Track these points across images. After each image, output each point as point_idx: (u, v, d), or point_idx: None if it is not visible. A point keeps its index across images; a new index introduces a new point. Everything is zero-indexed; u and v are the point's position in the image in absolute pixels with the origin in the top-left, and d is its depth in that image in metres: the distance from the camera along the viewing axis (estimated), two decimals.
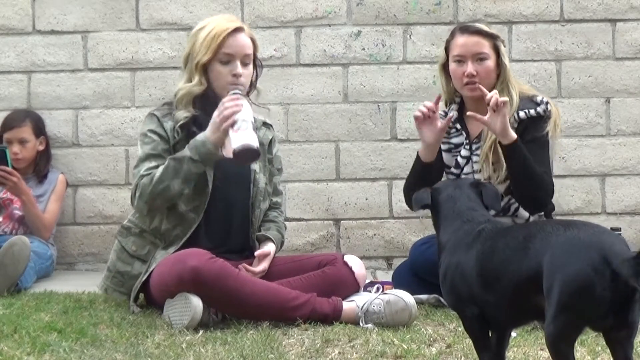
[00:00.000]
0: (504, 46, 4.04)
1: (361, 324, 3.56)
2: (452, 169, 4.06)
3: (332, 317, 3.57)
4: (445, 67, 4.06)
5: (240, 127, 3.59)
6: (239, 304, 3.57)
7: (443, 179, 4.03)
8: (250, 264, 3.83)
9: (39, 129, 5.07)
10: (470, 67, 3.94)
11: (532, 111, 3.92)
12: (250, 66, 3.89)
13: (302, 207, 5.25)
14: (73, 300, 4.06)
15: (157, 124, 3.84)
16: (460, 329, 3.32)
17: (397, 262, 4.87)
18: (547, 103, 3.95)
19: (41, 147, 5.06)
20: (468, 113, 3.89)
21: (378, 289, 3.72)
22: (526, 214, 3.99)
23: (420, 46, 5.25)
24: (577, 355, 2.51)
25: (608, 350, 2.54)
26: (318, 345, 3.22)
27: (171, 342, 3.28)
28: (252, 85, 3.94)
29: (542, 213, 4.05)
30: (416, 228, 5.19)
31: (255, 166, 3.94)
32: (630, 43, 5.25)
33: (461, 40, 3.98)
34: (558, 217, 4.31)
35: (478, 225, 2.73)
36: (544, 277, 2.43)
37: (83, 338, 3.32)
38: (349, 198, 5.26)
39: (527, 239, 2.53)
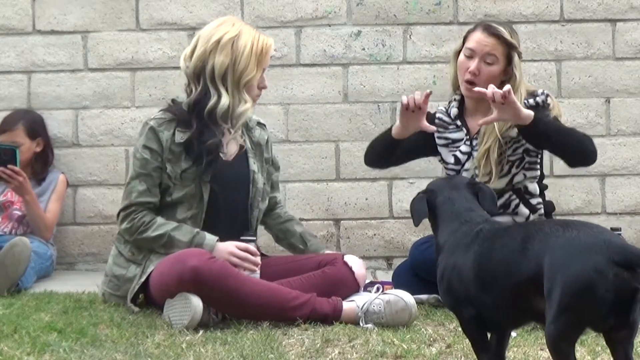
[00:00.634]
0: (520, 58, 4.00)
1: (361, 324, 3.56)
2: (452, 165, 4.07)
3: (332, 317, 3.57)
4: (458, 55, 4.06)
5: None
6: (239, 304, 3.57)
7: (439, 177, 4.03)
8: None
9: (34, 131, 5.03)
10: (474, 65, 3.94)
11: (530, 100, 3.92)
12: None
13: (302, 207, 5.24)
14: (73, 300, 4.06)
15: (150, 136, 3.81)
16: (460, 329, 3.31)
17: (397, 262, 4.86)
18: (547, 95, 3.96)
19: (38, 149, 5.03)
20: (479, 122, 3.86)
21: (378, 289, 3.72)
22: (526, 211, 4.00)
23: (420, 46, 5.25)
24: (577, 355, 2.50)
25: (608, 350, 2.55)
26: (318, 345, 3.22)
27: (171, 342, 3.28)
28: None
29: (542, 212, 4.05)
30: (416, 228, 5.17)
31: (254, 167, 3.94)
32: (630, 43, 5.25)
33: (478, 36, 3.98)
34: (558, 217, 4.31)
35: (476, 226, 2.73)
36: (544, 278, 2.43)
37: (83, 338, 3.32)
38: (349, 198, 5.26)
39: (526, 240, 2.53)
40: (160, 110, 3.92)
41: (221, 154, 3.84)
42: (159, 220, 3.80)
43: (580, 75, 5.25)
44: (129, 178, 3.86)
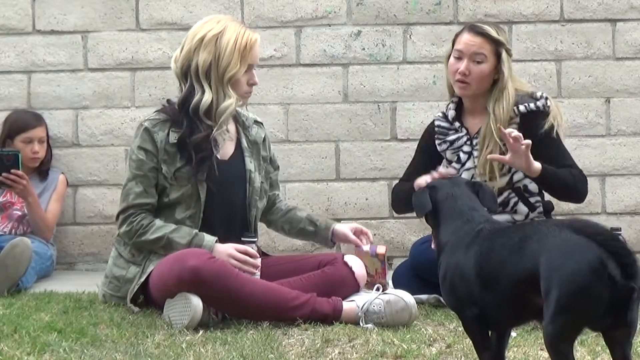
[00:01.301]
0: (510, 55, 4.03)
1: (361, 324, 3.56)
2: (454, 164, 4.09)
3: (332, 317, 3.57)
4: (449, 59, 4.08)
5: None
6: (239, 303, 3.57)
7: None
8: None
9: (47, 129, 5.11)
10: (463, 65, 3.96)
11: (531, 105, 3.95)
12: None
13: (302, 207, 5.23)
14: (73, 300, 4.06)
15: (145, 137, 3.82)
16: (460, 329, 3.31)
17: (397, 262, 4.86)
18: (546, 98, 3.98)
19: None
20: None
21: (378, 288, 3.71)
22: (525, 210, 4.02)
23: (420, 46, 5.25)
24: (577, 355, 2.51)
25: (608, 350, 2.55)
26: (318, 345, 3.22)
27: (171, 342, 3.28)
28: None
29: (541, 210, 4.06)
30: (416, 228, 5.19)
31: (251, 166, 3.94)
32: (630, 43, 5.25)
33: (465, 37, 4.02)
34: (558, 217, 4.31)
35: (477, 225, 2.73)
36: (541, 278, 2.43)
37: (83, 338, 3.32)
38: (349, 198, 5.26)
39: (523, 240, 2.54)
40: (155, 111, 3.92)
41: (216, 153, 3.85)
42: (158, 222, 3.80)
43: (580, 75, 5.25)
44: (125, 180, 3.87)
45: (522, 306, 2.56)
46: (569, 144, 5.13)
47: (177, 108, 3.84)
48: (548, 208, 4.11)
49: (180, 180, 3.81)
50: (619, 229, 4.06)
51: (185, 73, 3.83)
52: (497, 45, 4.00)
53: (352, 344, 3.24)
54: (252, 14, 5.26)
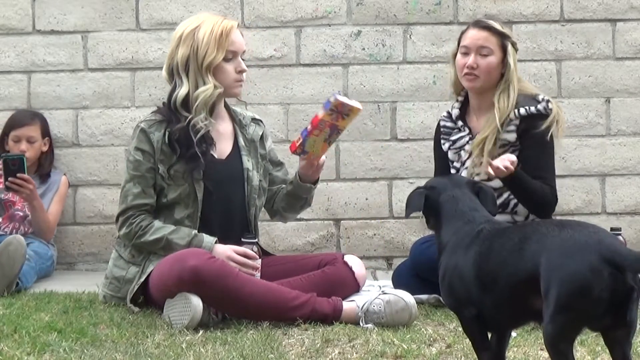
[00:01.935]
0: (516, 49, 4.06)
1: (361, 324, 3.56)
2: (455, 163, 4.10)
3: (332, 317, 3.57)
4: (455, 57, 4.09)
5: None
6: (239, 303, 3.57)
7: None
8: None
9: (45, 130, 5.09)
10: (471, 59, 3.98)
11: (532, 108, 3.95)
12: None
13: None
14: (73, 300, 4.06)
15: (142, 138, 3.84)
16: (460, 329, 3.31)
17: (397, 262, 4.87)
18: (547, 101, 3.98)
19: (45, 148, 5.06)
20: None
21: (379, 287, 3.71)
22: (525, 211, 4.01)
23: (420, 46, 5.25)
24: (577, 355, 2.51)
25: (608, 350, 2.55)
26: (318, 345, 3.22)
27: (171, 342, 3.28)
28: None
29: None
30: (416, 228, 5.19)
31: (248, 164, 3.94)
32: (630, 43, 5.25)
33: (470, 33, 4.05)
34: (558, 217, 4.31)
35: (478, 226, 2.73)
36: (541, 279, 2.44)
37: (83, 338, 3.32)
38: (349, 198, 5.26)
39: (523, 241, 2.54)
40: (152, 112, 3.95)
41: (212, 152, 3.85)
42: (157, 223, 3.80)
43: (580, 75, 5.25)
44: (123, 181, 3.88)
45: (521, 307, 2.56)
46: (569, 144, 5.16)
47: (165, 106, 3.88)
48: None
49: (177, 180, 3.82)
50: (619, 229, 4.06)
51: (171, 72, 3.88)
52: (502, 38, 4.03)
53: (352, 344, 3.25)
54: (252, 14, 5.26)
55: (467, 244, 2.69)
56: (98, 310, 3.80)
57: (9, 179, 4.64)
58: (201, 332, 3.42)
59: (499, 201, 3.97)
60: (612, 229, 3.81)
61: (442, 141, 4.16)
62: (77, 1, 5.26)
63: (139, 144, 3.83)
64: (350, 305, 3.63)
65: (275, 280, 3.70)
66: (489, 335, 2.73)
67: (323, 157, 3.87)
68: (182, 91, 3.82)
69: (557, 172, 4.12)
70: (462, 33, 4.11)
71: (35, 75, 5.27)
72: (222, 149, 3.94)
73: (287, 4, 5.27)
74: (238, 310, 3.60)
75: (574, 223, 2.54)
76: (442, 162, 4.18)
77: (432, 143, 4.31)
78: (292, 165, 5.20)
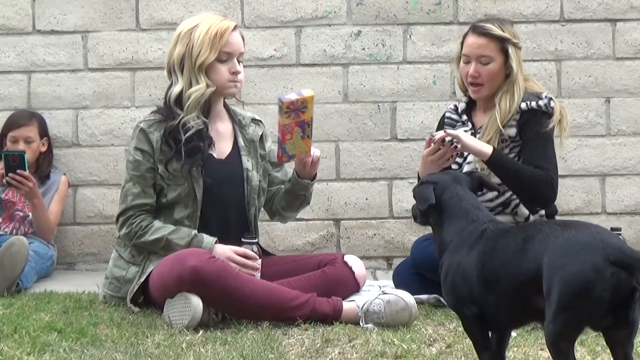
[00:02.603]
0: (519, 48, 4.05)
1: (361, 324, 3.56)
2: (457, 158, 4.09)
3: (332, 317, 3.57)
4: (459, 60, 4.10)
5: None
6: (239, 303, 3.57)
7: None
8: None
9: (44, 130, 5.08)
10: (472, 69, 3.99)
11: (532, 103, 3.95)
12: (242, 65, 3.93)
13: None
14: (73, 300, 4.06)
15: (141, 138, 3.85)
16: (460, 329, 3.31)
17: (397, 262, 4.86)
18: (550, 99, 3.98)
19: (43, 149, 5.05)
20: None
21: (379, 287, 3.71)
22: (526, 212, 4.01)
23: (420, 46, 5.25)
24: (577, 355, 2.51)
25: (608, 350, 2.55)
26: (318, 345, 3.22)
27: (171, 342, 3.28)
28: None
29: (543, 213, 4.05)
30: (416, 228, 5.18)
31: (248, 164, 3.95)
32: (630, 43, 5.25)
33: (470, 40, 4.04)
34: (558, 218, 4.30)
35: (482, 226, 2.73)
36: (543, 278, 2.44)
37: (83, 338, 3.32)
38: (349, 198, 5.26)
39: (526, 241, 2.54)
40: (151, 112, 3.96)
41: (212, 152, 3.86)
42: (157, 223, 3.81)
43: (580, 75, 5.25)
44: (123, 182, 3.89)
45: (523, 307, 2.56)
46: (569, 144, 5.14)
47: (163, 104, 3.90)
48: (552, 211, 4.09)
49: (176, 179, 3.82)
50: (619, 229, 4.06)
51: (169, 70, 3.91)
52: (502, 42, 4.01)
53: (352, 344, 3.25)
54: (252, 14, 5.26)
55: (471, 244, 2.69)
56: (98, 310, 3.80)
57: (9, 174, 4.63)
58: (201, 332, 3.42)
59: (499, 200, 3.97)
60: (612, 229, 3.80)
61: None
62: (77, 1, 5.26)
63: (139, 144, 3.84)
64: (350, 305, 3.63)
65: (275, 280, 3.70)
66: (490, 335, 2.73)
67: (317, 152, 3.88)
68: (176, 89, 3.84)
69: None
70: (464, 37, 4.09)
71: (35, 75, 5.27)
72: (222, 149, 3.94)
73: (287, 4, 5.26)
74: (238, 310, 3.60)
75: (576, 223, 2.54)
76: None
77: None
78: (292, 165, 5.20)
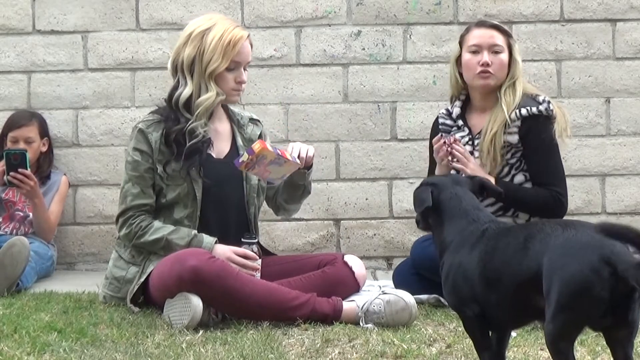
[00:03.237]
0: (516, 46, 4.09)
1: (361, 324, 3.56)
2: (454, 163, 4.08)
3: (332, 317, 3.57)
4: (458, 61, 4.08)
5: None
6: (239, 303, 3.57)
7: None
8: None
9: (44, 130, 5.07)
10: (486, 57, 3.97)
11: (533, 109, 3.95)
12: (247, 72, 3.93)
13: (302, 207, 5.22)
14: (73, 300, 4.06)
15: (140, 139, 3.85)
16: (460, 329, 3.32)
17: (397, 262, 4.86)
18: (548, 102, 3.97)
19: (44, 149, 5.05)
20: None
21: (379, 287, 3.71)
22: (526, 215, 4.00)
23: (420, 46, 5.25)
24: (577, 355, 2.51)
25: (608, 350, 2.55)
26: (318, 345, 3.22)
27: (171, 342, 3.28)
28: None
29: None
30: (416, 228, 5.17)
31: None
32: (630, 43, 5.25)
33: (478, 32, 4.05)
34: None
35: (482, 225, 2.73)
36: (543, 278, 2.44)
37: (83, 338, 3.32)
38: (349, 198, 5.26)
39: (528, 240, 2.55)
40: (150, 113, 3.96)
41: (210, 152, 3.86)
42: (156, 224, 3.81)
43: (580, 75, 5.25)
44: (122, 182, 3.89)
45: (524, 306, 2.56)
46: (569, 144, 5.13)
47: (166, 102, 3.89)
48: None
49: (175, 180, 3.83)
50: None
51: (175, 68, 3.89)
52: (508, 37, 4.06)
53: (352, 344, 3.25)
54: (252, 14, 5.26)
55: (473, 243, 2.70)
56: (98, 310, 3.80)
57: (10, 173, 4.63)
58: (201, 332, 3.42)
59: (499, 204, 3.97)
60: None
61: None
62: (77, 1, 5.26)
63: (137, 145, 3.84)
64: (350, 305, 3.63)
65: (275, 280, 3.70)
66: (490, 334, 2.73)
67: (309, 150, 3.83)
68: (185, 92, 3.83)
69: None
70: (465, 35, 4.09)
71: (35, 75, 5.27)
72: (220, 148, 3.95)
73: (287, 4, 5.26)
74: (238, 310, 3.60)
75: (577, 223, 2.54)
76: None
77: None
78: None
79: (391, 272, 4.41)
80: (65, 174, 5.14)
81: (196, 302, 3.51)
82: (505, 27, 4.11)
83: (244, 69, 3.90)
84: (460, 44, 4.10)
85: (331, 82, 5.26)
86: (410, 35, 5.26)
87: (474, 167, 3.90)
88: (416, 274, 4.07)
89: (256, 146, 3.66)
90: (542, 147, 3.94)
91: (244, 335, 3.37)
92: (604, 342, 2.56)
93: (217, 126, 3.97)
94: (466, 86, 4.09)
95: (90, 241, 5.26)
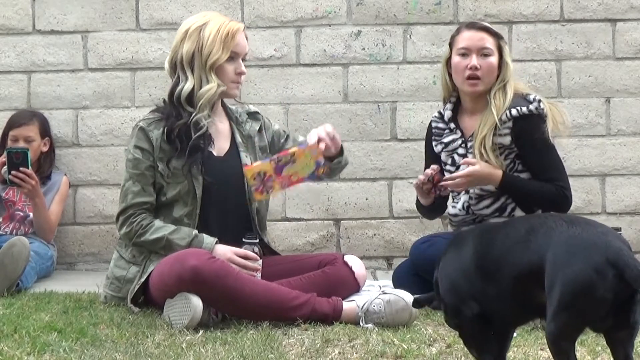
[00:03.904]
0: (507, 48, 4.08)
1: (361, 324, 3.56)
2: (449, 166, 4.07)
3: (332, 317, 3.57)
4: (448, 62, 4.07)
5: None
6: (239, 303, 3.57)
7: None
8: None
9: (45, 130, 5.07)
10: (474, 60, 3.96)
11: (524, 109, 3.93)
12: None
13: (302, 207, 5.24)
14: (73, 300, 4.06)
15: (141, 136, 3.85)
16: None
17: (397, 262, 4.86)
18: (539, 101, 3.95)
19: (45, 149, 5.05)
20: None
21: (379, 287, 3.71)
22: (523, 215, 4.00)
23: (420, 46, 5.25)
24: (577, 355, 2.50)
25: (608, 350, 2.55)
26: (318, 345, 3.22)
27: (171, 342, 3.28)
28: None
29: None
30: (416, 228, 5.19)
31: (247, 160, 3.94)
32: (630, 43, 5.25)
33: (467, 34, 4.02)
34: None
35: (475, 229, 2.73)
36: (545, 274, 2.43)
37: (83, 338, 3.32)
38: (349, 198, 5.26)
39: (530, 232, 2.52)
40: (150, 111, 3.96)
41: (211, 149, 3.86)
42: (157, 223, 3.81)
43: (580, 75, 5.25)
44: (123, 180, 3.89)
45: (524, 300, 2.54)
46: (569, 144, 5.16)
47: (167, 101, 3.89)
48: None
49: (176, 177, 3.83)
50: (619, 229, 4.05)
51: (174, 66, 3.90)
52: (498, 39, 4.03)
53: (352, 344, 3.25)
54: (252, 14, 5.26)
55: (465, 238, 2.70)
56: (98, 310, 3.80)
57: (12, 172, 4.62)
58: (201, 332, 3.42)
59: (495, 205, 3.97)
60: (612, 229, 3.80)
61: (434, 142, 4.14)
62: (77, 1, 5.26)
63: (138, 142, 3.84)
64: (350, 305, 3.63)
65: (275, 280, 3.70)
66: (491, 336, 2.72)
67: (327, 126, 3.75)
68: (187, 86, 3.84)
69: None
70: (455, 36, 4.08)
71: (35, 75, 5.27)
72: (220, 146, 3.95)
73: (287, 4, 5.27)
74: (238, 310, 3.60)
75: (582, 221, 2.52)
76: (433, 162, 4.15)
77: None
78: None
79: (391, 272, 4.41)
80: (65, 175, 5.14)
81: (196, 302, 3.51)
82: (496, 29, 4.08)
83: (244, 60, 3.92)
84: (450, 45, 4.08)
85: (331, 82, 5.26)
86: (410, 35, 5.26)
87: (481, 170, 3.88)
88: (416, 275, 4.07)
89: (247, 173, 3.64)
90: (537, 145, 3.93)
91: (244, 335, 3.37)
92: (604, 342, 2.55)
93: (217, 124, 3.97)
94: (457, 88, 4.08)
95: (90, 241, 5.26)
